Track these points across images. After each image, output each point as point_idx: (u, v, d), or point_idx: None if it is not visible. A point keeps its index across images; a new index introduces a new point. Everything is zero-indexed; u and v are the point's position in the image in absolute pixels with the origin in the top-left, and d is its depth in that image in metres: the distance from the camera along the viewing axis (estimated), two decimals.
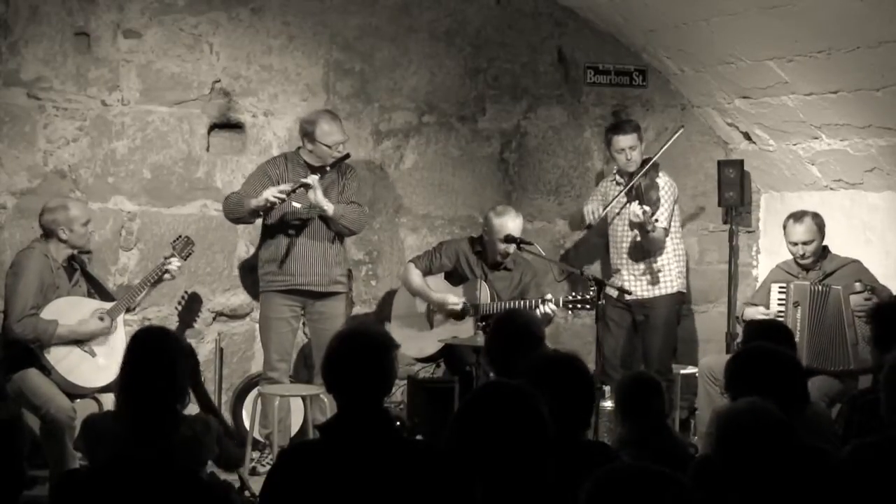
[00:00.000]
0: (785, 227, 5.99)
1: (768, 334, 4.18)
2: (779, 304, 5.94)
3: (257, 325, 6.16)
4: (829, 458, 3.08)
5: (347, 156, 5.82)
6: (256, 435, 5.82)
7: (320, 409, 5.79)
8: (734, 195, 6.80)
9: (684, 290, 6.62)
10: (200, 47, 6.26)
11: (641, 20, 6.56)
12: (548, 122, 6.93)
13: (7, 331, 5.23)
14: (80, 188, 6.08)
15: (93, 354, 5.32)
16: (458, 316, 6.02)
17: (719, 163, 6.90)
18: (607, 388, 5.29)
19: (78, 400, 5.24)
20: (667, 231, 6.29)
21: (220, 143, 6.40)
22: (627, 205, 6.21)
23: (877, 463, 3.07)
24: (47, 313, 5.22)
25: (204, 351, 6.23)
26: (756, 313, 5.91)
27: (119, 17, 6.10)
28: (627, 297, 6.17)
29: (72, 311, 5.31)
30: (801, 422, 3.16)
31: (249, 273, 6.27)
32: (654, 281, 6.36)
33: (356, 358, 2.98)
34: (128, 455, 2.89)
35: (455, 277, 6.14)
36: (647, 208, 6.00)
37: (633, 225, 6.13)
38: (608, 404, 5.11)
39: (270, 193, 5.62)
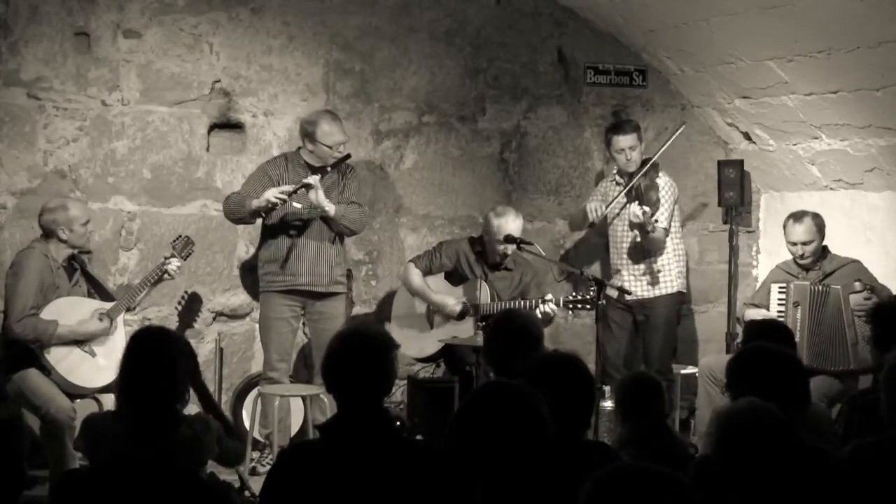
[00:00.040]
0: (785, 227, 5.99)
1: (768, 334, 4.17)
2: (779, 305, 5.94)
3: (257, 325, 6.16)
4: (829, 458, 3.09)
5: (348, 156, 5.82)
6: (256, 435, 5.83)
7: (320, 409, 5.80)
8: (734, 195, 6.79)
9: (684, 290, 6.62)
10: (200, 47, 6.26)
11: (641, 20, 6.56)
12: (548, 122, 6.93)
13: (7, 331, 5.23)
14: (80, 188, 6.08)
15: (93, 354, 5.32)
16: (458, 316, 6.02)
17: (719, 163, 6.90)
18: (607, 388, 5.29)
19: (78, 400, 5.24)
20: (667, 231, 6.29)
21: (220, 143, 6.40)
22: (627, 205, 6.20)
23: (877, 463, 3.07)
24: (47, 313, 5.23)
25: (204, 351, 6.23)
26: (756, 315, 5.90)
27: (119, 17, 6.11)
28: (627, 297, 6.17)
29: (72, 311, 5.31)
30: (801, 422, 3.16)
31: (249, 273, 6.27)
32: (655, 281, 6.36)
33: (356, 358, 2.98)
34: (128, 455, 2.89)
35: (455, 277, 6.14)
36: (647, 209, 6.00)
37: (633, 225, 6.13)
38: (608, 404, 5.10)
39: (272, 194, 5.61)
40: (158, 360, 3.20)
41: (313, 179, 5.63)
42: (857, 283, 5.68)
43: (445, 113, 6.74)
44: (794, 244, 5.92)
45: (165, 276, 5.63)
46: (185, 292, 6.28)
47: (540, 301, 5.77)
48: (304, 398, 5.81)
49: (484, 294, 5.95)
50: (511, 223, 5.92)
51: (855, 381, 5.66)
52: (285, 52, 6.41)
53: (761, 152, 6.87)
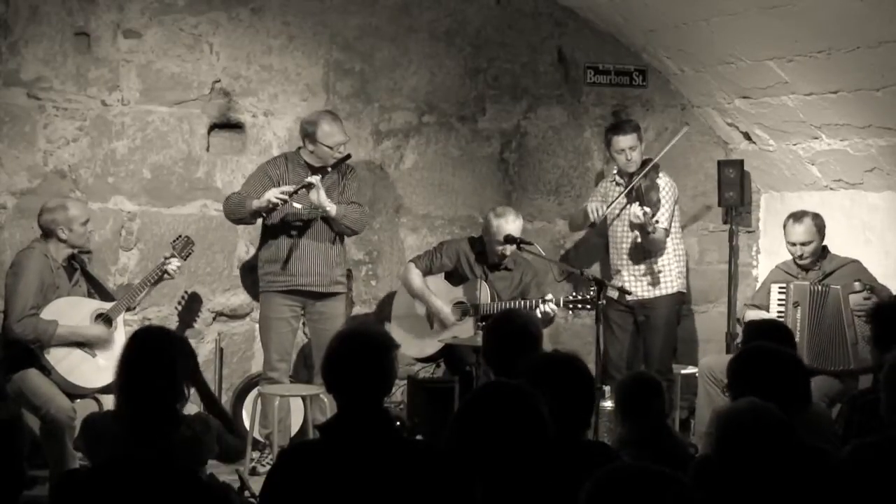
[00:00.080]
0: (785, 227, 5.99)
1: (768, 334, 4.17)
2: (779, 305, 5.94)
3: (257, 326, 6.16)
4: (829, 458, 3.09)
5: (348, 156, 5.82)
6: (256, 435, 5.83)
7: (320, 409, 5.80)
8: (734, 195, 6.79)
9: (684, 291, 6.62)
10: (200, 47, 6.26)
11: (641, 20, 6.56)
12: (548, 122, 6.93)
13: (7, 331, 5.23)
14: (80, 188, 6.08)
15: (93, 355, 5.32)
16: (457, 317, 6.04)
17: (719, 163, 6.90)
18: (607, 388, 5.29)
19: (78, 400, 5.24)
20: (667, 232, 6.29)
21: (220, 143, 6.40)
22: (628, 206, 6.20)
23: (877, 463, 3.07)
24: (47, 313, 5.22)
25: (204, 351, 6.23)
26: (756, 316, 5.89)
27: (119, 17, 6.11)
28: (628, 297, 6.16)
29: (72, 311, 5.31)
30: (801, 422, 3.16)
31: (249, 273, 6.27)
32: (655, 281, 6.36)
33: (356, 358, 2.98)
34: (128, 455, 2.89)
35: (455, 277, 6.14)
36: (647, 209, 6.00)
37: (634, 226, 6.12)
38: (608, 404, 5.10)
39: (273, 194, 5.61)
40: (158, 359, 3.20)
41: (315, 179, 5.63)
42: (856, 283, 5.68)
43: (445, 113, 6.74)
44: (794, 244, 5.92)
45: (165, 275, 5.63)
46: (185, 292, 6.28)
47: (540, 301, 5.78)
48: (304, 398, 5.81)
49: (484, 294, 5.95)
50: (511, 223, 5.92)
51: (855, 381, 5.66)
52: (285, 52, 6.41)
53: (761, 152, 6.87)
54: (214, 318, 6.40)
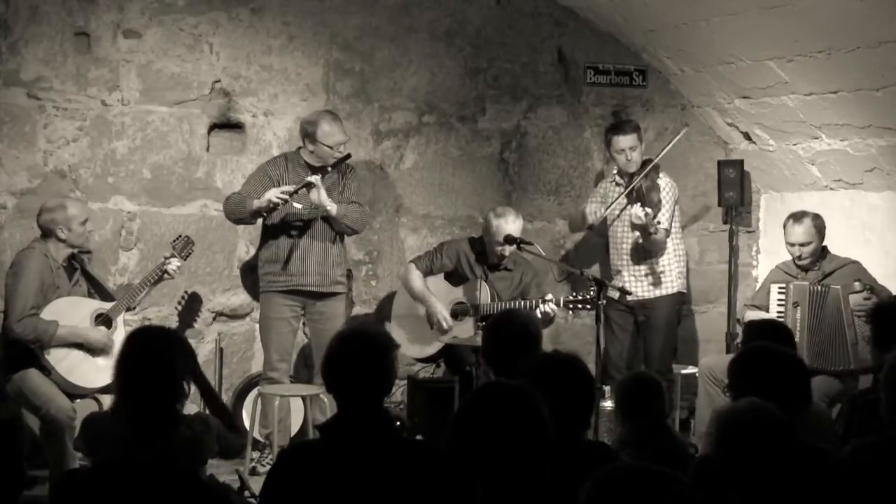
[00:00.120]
0: (785, 227, 5.99)
1: (768, 334, 4.17)
2: (778, 305, 5.95)
3: (257, 326, 6.16)
4: (829, 458, 3.08)
5: (348, 156, 5.82)
6: (256, 435, 5.83)
7: (320, 409, 5.80)
8: (734, 195, 6.79)
9: (685, 291, 6.62)
10: (200, 47, 6.26)
11: (641, 20, 6.56)
12: (548, 122, 6.93)
13: (7, 331, 5.23)
14: (80, 188, 6.09)
15: (93, 355, 5.31)
16: (457, 318, 6.03)
17: (719, 163, 6.90)
18: (607, 388, 5.29)
19: (78, 400, 5.24)
20: (668, 232, 6.29)
21: (220, 143, 6.40)
22: (629, 206, 6.20)
23: (877, 463, 3.07)
24: (47, 313, 5.22)
25: (204, 351, 6.23)
26: (756, 317, 5.89)
27: (119, 17, 6.11)
28: (628, 297, 6.16)
29: (72, 311, 5.31)
30: (801, 422, 3.16)
31: (249, 273, 6.27)
32: (656, 282, 6.35)
33: (356, 358, 2.98)
34: (128, 455, 2.89)
35: (455, 278, 6.14)
36: (649, 210, 5.99)
37: (635, 227, 6.12)
38: (608, 404, 5.10)
39: (273, 194, 5.61)
40: (157, 359, 3.19)
41: (315, 179, 5.63)
42: (856, 284, 5.68)
43: (445, 113, 6.74)
44: (793, 245, 5.93)
45: (165, 275, 5.63)
46: (185, 292, 6.29)
47: (540, 301, 5.77)
48: (304, 398, 5.81)
49: (484, 294, 5.95)
50: (511, 224, 5.92)
51: (855, 381, 5.66)
52: (285, 52, 6.41)
53: (761, 152, 6.87)
54: (214, 318, 6.40)
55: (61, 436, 5.02)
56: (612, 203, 6.30)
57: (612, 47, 6.94)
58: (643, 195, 6.17)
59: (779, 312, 5.91)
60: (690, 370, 6.39)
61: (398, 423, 5.63)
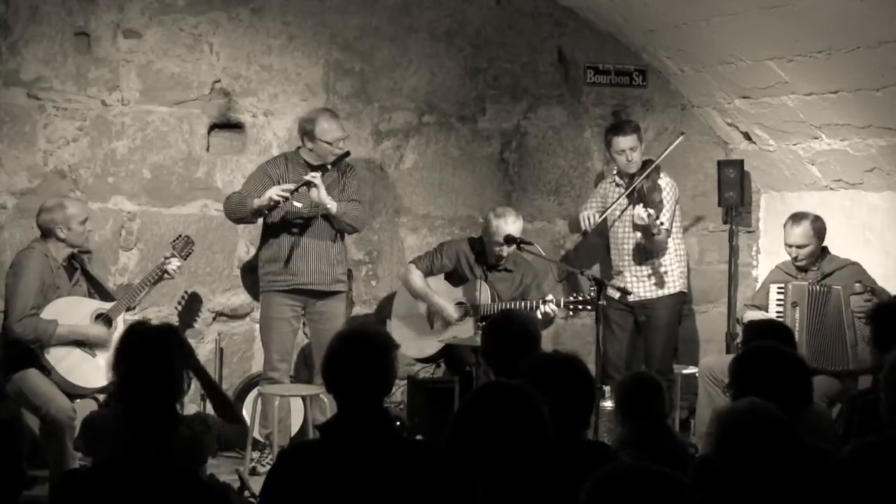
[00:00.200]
0: (784, 228, 5.99)
1: (768, 335, 4.17)
2: (777, 305, 5.95)
3: (257, 325, 6.16)
4: (829, 458, 3.08)
5: (347, 153, 5.83)
6: (256, 435, 5.83)
7: (320, 409, 5.80)
8: (734, 195, 6.80)
9: (686, 291, 6.62)
10: (200, 47, 6.26)
11: (641, 20, 6.56)
12: (548, 122, 6.93)
13: (7, 331, 5.23)
14: (80, 188, 6.09)
15: (93, 355, 5.32)
16: (458, 319, 6.04)
17: (719, 163, 6.90)
18: (607, 388, 5.29)
19: (78, 400, 5.24)
20: (669, 232, 6.29)
21: (220, 143, 6.40)
22: (630, 207, 6.20)
23: (877, 463, 3.07)
24: (47, 313, 5.22)
25: (204, 351, 6.23)
26: (756, 316, 5.89)
27: (119, 17, 6.11)
28: (629, 297, 6.16)
29: (72, 311, 5.31)
30: (801, 422, 3.16)
31: (249, 273, 6.27)
32: (658, 282, 6.35)
33: (356, 358, 2.98)
34: (127, 455, 2.89)
35: (455, 278, 6.14)
36: (651, 211, 5.99)
37: (637, 227, 6.13)
38: (608, 404, 5.10)
39: (274, 192, 5.62)
40: (156, 359, 3.19)
41: (315, 177, 5.63)
42: (857, 285, 5.68)
43: (445, 113, 6.74)
44: (790, 246, 5.94)
45: (165, 275, 5.63)
46: (185, 292, 6.29)
47: (540, 302, 5.77)
48: (304, 398, 5.81)
49: (484, 294, 5.95)
50: (511, 224, 5.92)
51: (854, 382, 5.67)
52: (285, 52, 6.41)
53: (761, 152, 6.87)
54: (214, 318, 6.40)
55: (61, 436, 5.02)
56: (613, 204, 6.30)
57: (612, 47, 6.94)
58: (645, 196, 6.16)
59: (778, 312, 5.91)
60: (690, 370, 6.39)
61: (398, 423, 5.63)
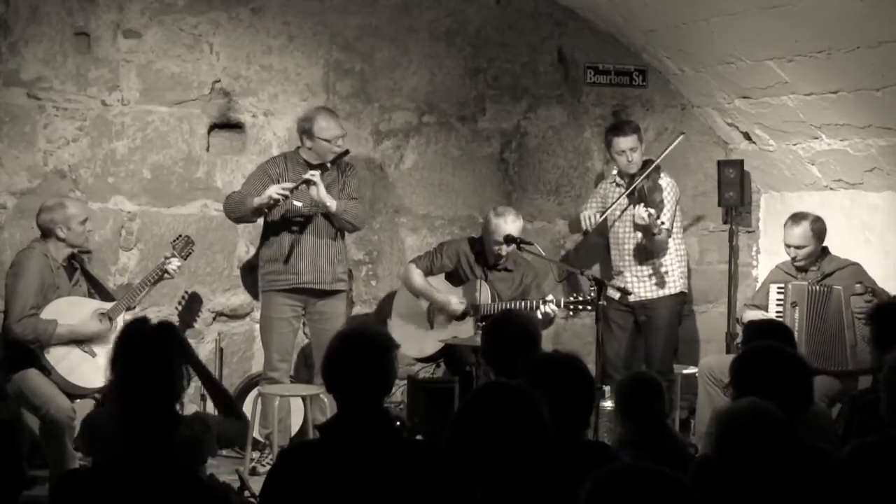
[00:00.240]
0: (784, 227, 6.00)
1: (768, 334, 4.17)
2: (777, 305, 5.95)
3: (257, 325, 6.16)
4: (829, 458, 3.08)
5: (347, 152, 5.83)
6: (256, 435, 5.82)
7: (320, 409, 5.80)
8: (734, 195, 6.80)
9: (686, 291, 6.62)
10: (200, 47, 6.26)
11: (641, 20, 6.56)
12: (548, 122, 6.93)
13: (7, 331, 5.23)
14: (80, 188, 6.09)
15: (93, 354, 5.32)
16: (460, 316, 6.03)
17: (719, 163, 6.90)
18: (607, 388, 5.29)
19: (78, 400, 5.24)
20: (670, 232, 6.28)
21: (220, 143, 6.40)
22: (631, 207, 6.20)
23: (877, 463, 3.07)
24: (47, 313, 5.22)
25: (204, 351, 6.23)
26: (756, 316, 5.89)
27: (119, 17, 6.11)
28: (629, 298, 6.16)
29: (72, 310, 5.31)
30: (801, 422, 3.16)
31: (249, 273, 6.27)
32: (659, 282, 6.35)
33: (356, 358, 2.98)
34: (127, 455, 2.89)
35: (455, 278, 6.14)
36: (652, 210, 5.99)
37: (638, 227, 6.12)
38: (608, 404, 5.10)
39: (274, 190, 5.62)
40: (155, 359, 3.19)
41: (314, 175, 5.64)
42: (858, 285, 5.68)
43: (445, 113, 6.74)
44: (789, 246, 5.96)
45: (165, 275, 5.63)
46: (185, 292, 6.29)
47: (541, 302, 5.77)
48: (304, 398, 5.81)
49: (484, 294, 5.95)
50: (511, 224, 5.92)
51: (854, 382, 5.67)
52: (285, 52, 6.41)
53: (761, 152, 6.87)
54: (214, 318, 6.40)
55: (61, 436, 5.02)
56: (613, 204, 6.30)
57: (612, 47, 6.94)
58: (645, 195, 6.16)
59: (777, 312, 5.91)
60: (690, 370, 6.39)
61: (398, 423, 5.63)
